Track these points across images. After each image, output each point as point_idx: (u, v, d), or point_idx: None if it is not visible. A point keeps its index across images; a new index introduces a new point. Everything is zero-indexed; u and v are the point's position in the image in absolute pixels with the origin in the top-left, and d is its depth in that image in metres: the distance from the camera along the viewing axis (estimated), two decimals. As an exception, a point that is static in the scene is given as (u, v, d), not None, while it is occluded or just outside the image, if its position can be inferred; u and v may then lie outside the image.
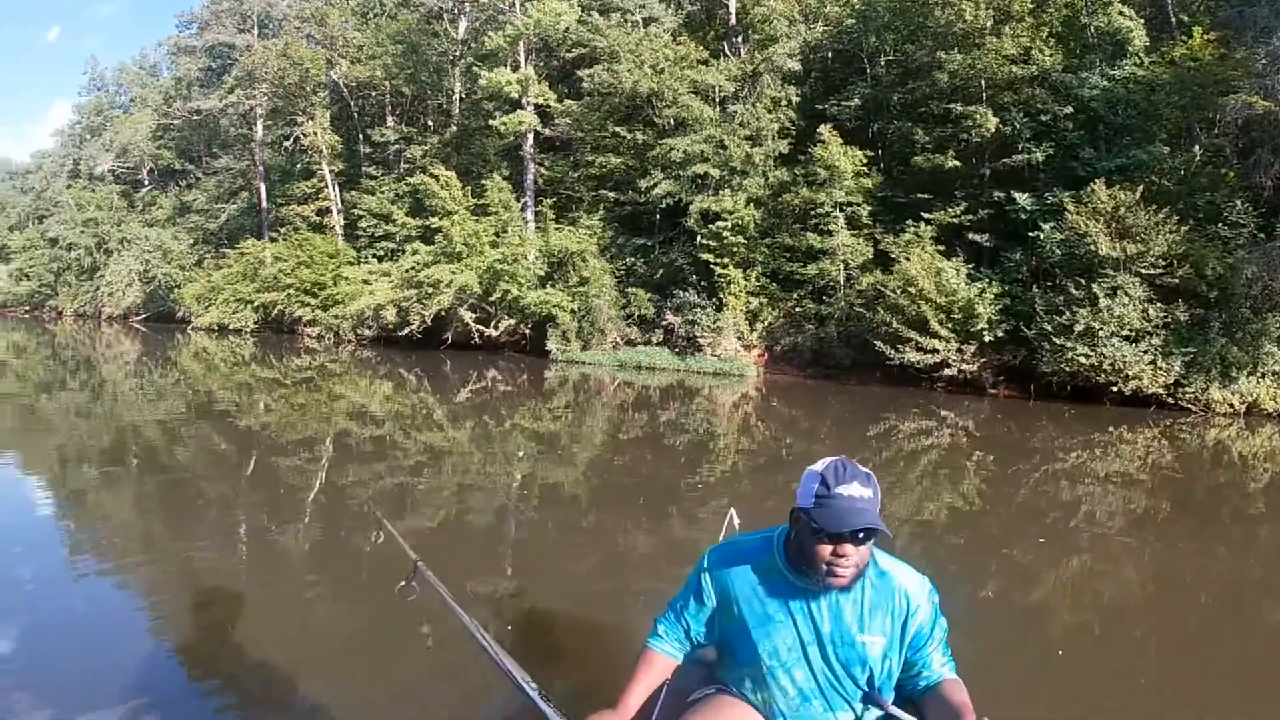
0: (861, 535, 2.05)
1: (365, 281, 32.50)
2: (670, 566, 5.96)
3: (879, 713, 2.19)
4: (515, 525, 7.50)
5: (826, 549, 2.05)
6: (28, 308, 64.54)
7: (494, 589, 5.33)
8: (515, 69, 29.90)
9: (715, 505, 8.15)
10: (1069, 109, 21.02)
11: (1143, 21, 22.17)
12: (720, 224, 24.65)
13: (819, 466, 2.12)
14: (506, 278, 27.04)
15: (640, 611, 4.88)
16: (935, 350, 19.76)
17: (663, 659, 2.29)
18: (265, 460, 10.00)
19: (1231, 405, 16.91)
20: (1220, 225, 18.15)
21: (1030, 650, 4.46)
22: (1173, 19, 23.18)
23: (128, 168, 55.17)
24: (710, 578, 2.25)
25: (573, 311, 26.46)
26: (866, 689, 2.19)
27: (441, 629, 3.93)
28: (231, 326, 39.02)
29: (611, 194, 28.14)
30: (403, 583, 3.09)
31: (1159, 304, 17.57)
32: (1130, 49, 21.76)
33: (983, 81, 22.00)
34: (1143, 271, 17.74)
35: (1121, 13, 21.93)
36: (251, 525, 6.96)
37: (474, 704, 3.68)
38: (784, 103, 25.67)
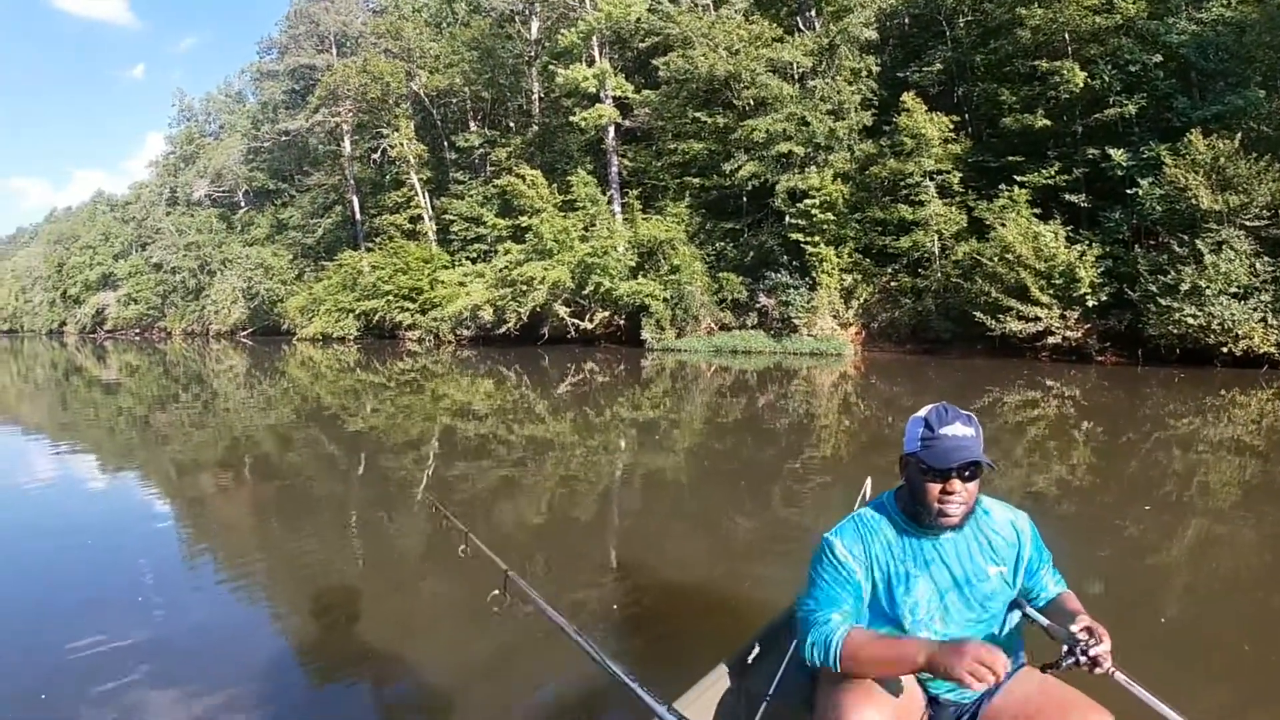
0: (968, 473, 2.15)
1: (461, 284, 33.47)
2: (774, 548, 6.02)
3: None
4: (618, 512, 7.61)
5: (936, 488, 2.15)
6: (137, 330, 68.13)
7: (598, 577, 5.46)
8: (591, 64, 30.32)
9: (817, 485, 8.16)
10: (1158, 57, 20.32)
11: (1232, -43, 21.28)
12: (808, 202, 24.59)
13: (922, 413, 2.22)
14: (598, 270, 27.56)
15: (747, 594, 5.01)
16: (1037, 318, 19.38)
17: (859, 630, 2.19)
18: (374, 461, 10.25)
19: (1350, 362, 16.12)
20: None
21: (1140, 619, 4.41)
22: (1261, -47, 22.21)
23: (223, 191, 57.80)
24: (844, 553, 2.25)
25: (665, 300, 26.84)
26: (1004, 613, 2.32)
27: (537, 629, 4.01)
28: (335, 335, 40.59)
29: (696, 180, 28.36)
30: (495, 592, 3.05)
31: (1266, 258, 16.84)
32: (1219, -12, 20.97)
33: (1066, 35, 21.44)
34: (1247, 224, 17.03)
35: (1206, -48, 21.11)
36: (363, 524, 7.23)
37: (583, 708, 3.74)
38: (864, 73, 25.45)
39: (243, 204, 57.44)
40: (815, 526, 6.62)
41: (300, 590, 5.43)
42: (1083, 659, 1.99)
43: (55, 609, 5.04)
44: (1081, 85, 20.82)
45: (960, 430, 2.15)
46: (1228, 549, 5.98)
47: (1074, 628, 2.05)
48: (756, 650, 2.68)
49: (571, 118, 30.52)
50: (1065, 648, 2.03)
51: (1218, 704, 3.47)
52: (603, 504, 7.96)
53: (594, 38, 30.30)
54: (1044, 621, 2.21)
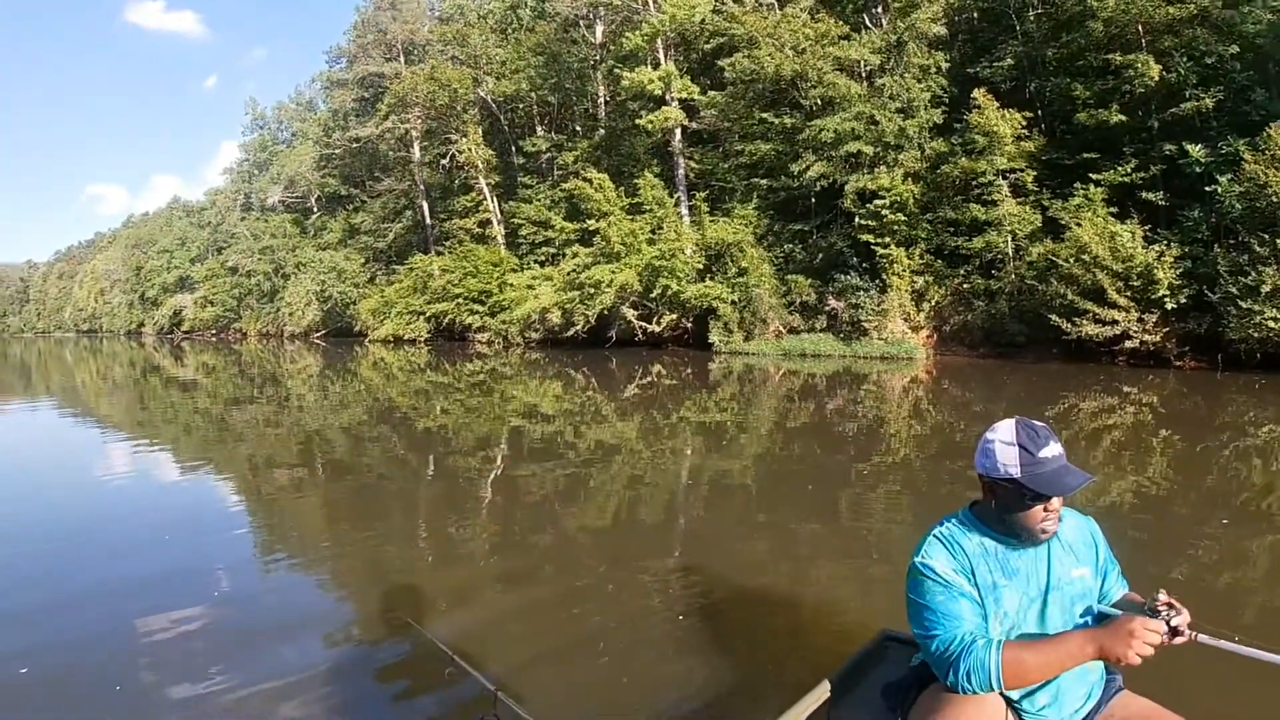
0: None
1: (529, 287, 34.03)
2: (843, 557, 6.01)
3: None
4: (685, 516, 7.64)
5: (1040, 510, 2.16)
6: (214, 331, 70.49)
7: (666, 576, 5.54)
8: (655, 66, 30.54)
9: (887, 491, 8.12)
10: (1234, 48, 19.55)
11: (1307, -58, 20.53)
12: (878, 202, 24.41)
13: (1008, 436, 2.19)
14: (665, 273, 27.78)
15: (817, 597, 5.07)
16: (1114, 321, 18.89)
17: (1008, 645, 2.10)
18: (443, 461, 10.43)
19: None
20: None
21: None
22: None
23: (296, 197, 59.50)
24: (946, 571, 2.21)
25: (733, 303, 26.95)
26: (1092, 617, 2.31)
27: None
28: (406, 337, 41.59)
29: (764, 181, 28.30)
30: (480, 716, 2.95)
31: (1352, 257, 16.21)
32: (1294, -25, 20.26)
33: (1140, 27, 20.85)
34: (1332, 222, 16.40)
35: (1282, -64, 20.38)
36: (431, 523, 7.42)
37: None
38: (933, 70, 25.13)
39: (315, 209, 59.03)
40: (886, 530, 6.83)
41: (368, 581, 5.60)
42: (1165, 628, 2.00)
43: (126, 596, 5.30)
44: (1156, 79, 20.20)
45: (1057, 450, 2.16)
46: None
47: (1157, 599, 2.06)
48: (828, 691, 2.63)
49: (637, 120, 30.77)
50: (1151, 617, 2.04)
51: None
52: (669, 507, 7.99)
53: (658, 40, 30.50)
54: (1117, 614, 2.21)
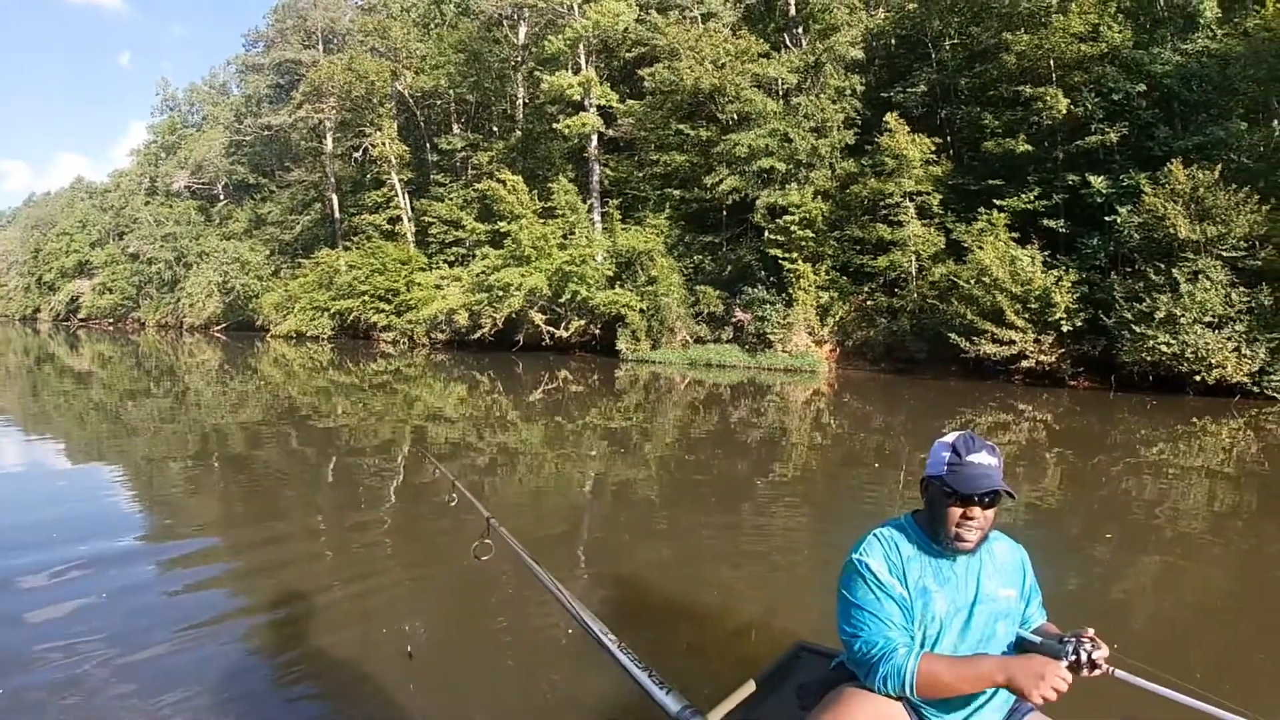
0: (988, 500, 2.24)
1: (437, 286, 33.21)
2: (742, 564, 6.03)
3: None
4: (588, 522, 7.62)
5: (957, 512, 2.24)
6: (111, 320, 67.27)
7: (569, 585, 5.53)
8: (576, 71, 30.20)
9: (789, 502, 8.17)
10: (1141, 87, 20.39)
11: (1214, -8, 21.47)
12: (788, 218, 24.55)
13: (949, 438, 2.30)
14: (575, 279, 27.38)
15: (720, 606, 5.03)
16: (1012, 341, 19.38)
17: (929, 657, 2.18)
18: (344, 461, 10.29)
19: (1322, 394, 16.11)
20: (1305, 203, 17.34)
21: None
22: (1246, -11, 22.39)
23: (203, 183, 57.22)
24: (882, 570, 2.27)
25: (642, 311, 26.69)
26: (1011, 640, 2.38)
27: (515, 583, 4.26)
28: (309, 334, 40.17)
29: (677, 192, 28.28)
30: (478, 542, 3.21)
31: (1242, 288, 16.91)
32: (1201, 21, 21.09)
33: (1051, 61, 21.51)
34: (1224, 254, 17.10)
35: (1193, -17, 21.28)
36: (331, 522, 7.26)
37: (572, 683, 3.87)
38: (848, 92, 25.47)
39: (222, 197, 56.89)
40: (787, 536, 6.97)
41: (266, 580, 5.46)
42: (1084, 659, 2.08)
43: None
44: (1064, 112, 20.90)
45: (986, 459, 2.24)
46: (1193, 578, 5.96)
47: (1082, 633, 2.14)
48: (753, 689, 2.72)
49: (555, 125, 30.36)
50: (1070, 650, 2.11)
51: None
52: (572, 513, 7.97)
53: (581, 45, 30.22)
54: (1037, 640, 2.30)
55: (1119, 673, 2.17)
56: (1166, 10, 21.89)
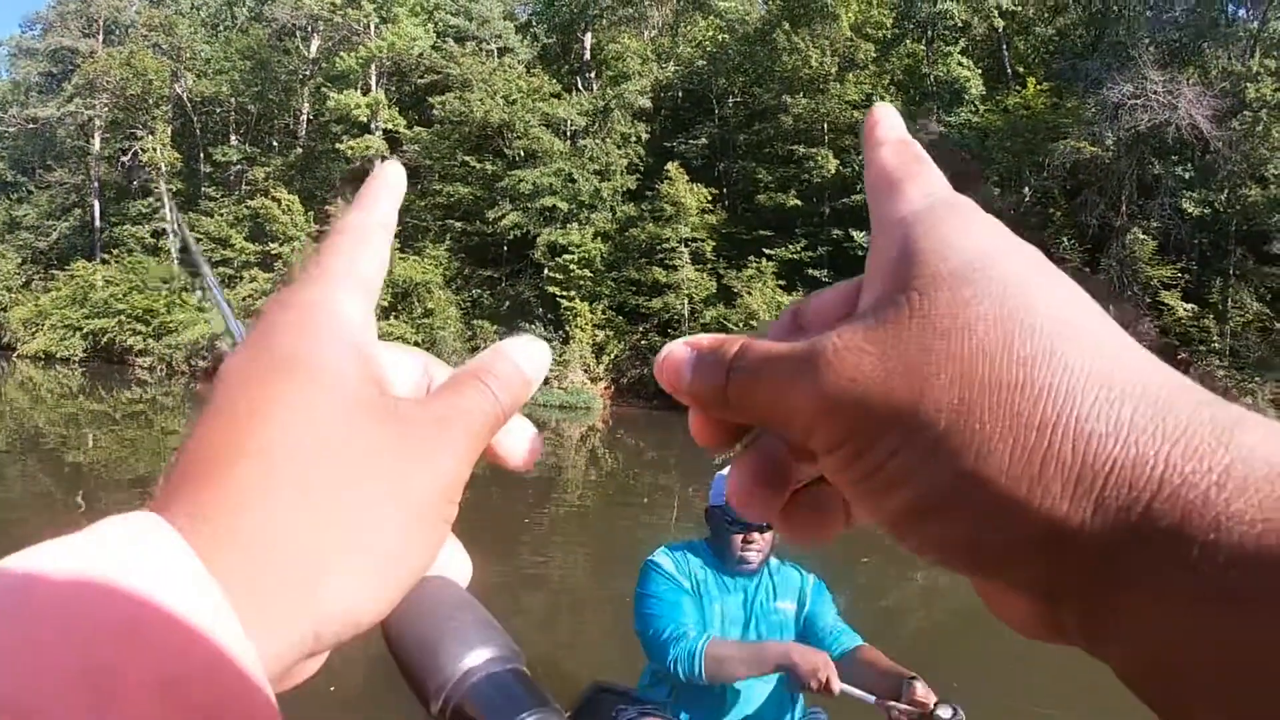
0: (766, 525, 2.33)
1: (200, 309, 30.78)
2: (524, 607, 5.90)
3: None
4: None
5: (739, 538, 2.41)
6: None
7: None
8: (366, 92, 29.23)
9: (564, 538, 8.19)
10: None
11: (980, 72, 23.33)
12: (567, 257, 24.61)
13: (728, 470, 2.17)
14: (349, 307, 26.08)
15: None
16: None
17: (718, 640, 2.32)
18: (94, 496, 9.58)
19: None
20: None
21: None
22: (1009, 70, 24.47)
23: (-48, 177, 51.22)
24: (672, 568, 2.47)
25: (416, 344, 25.46)
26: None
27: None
28: (59, 355, 36.17)
29: (459, 224, 27.77)
30: None
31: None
32: (967, 97, 22.87)
33: (825, 125, 22.68)
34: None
35: (960, 63, 23.05)
36: None
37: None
38: (633, 139, 25.88)
39: (-27, 194, 51.11)
40: (564, 578, 6.91)
41: None
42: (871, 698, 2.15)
43: None
44: (834, 171, 22.14)
45: None
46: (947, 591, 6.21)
47: (914, 683, 2.11)
48: None
49: (339, 145, 29.12)
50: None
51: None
52: None
53: (373, 65, 29.37)
54: (856, 693, 2.24)
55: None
56: (936, 85, 23.49)
